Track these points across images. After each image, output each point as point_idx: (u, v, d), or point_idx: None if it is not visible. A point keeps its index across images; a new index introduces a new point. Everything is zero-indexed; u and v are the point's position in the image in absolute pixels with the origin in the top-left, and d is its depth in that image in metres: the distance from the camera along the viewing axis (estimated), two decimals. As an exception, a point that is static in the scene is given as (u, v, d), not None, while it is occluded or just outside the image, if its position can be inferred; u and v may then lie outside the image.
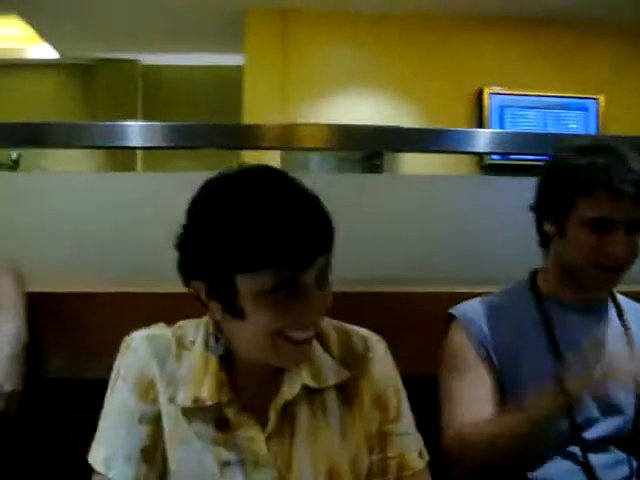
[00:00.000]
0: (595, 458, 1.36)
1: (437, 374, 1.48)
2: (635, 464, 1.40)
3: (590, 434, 1.38)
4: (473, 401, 1.39)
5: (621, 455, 1.39)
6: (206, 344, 1.11)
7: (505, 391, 1.42)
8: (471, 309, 1.49)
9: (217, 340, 1.11)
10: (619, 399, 1.40)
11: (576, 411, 1.37)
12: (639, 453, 1.40)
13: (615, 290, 1.53)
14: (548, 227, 1.45)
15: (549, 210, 1.45)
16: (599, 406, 1.39)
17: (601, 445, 1.38)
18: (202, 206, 1.03)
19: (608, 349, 1.42)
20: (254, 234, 0.95)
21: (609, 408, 1.40)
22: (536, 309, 1.47)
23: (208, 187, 1.04)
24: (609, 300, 1.51)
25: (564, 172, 1.41)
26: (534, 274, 1.54)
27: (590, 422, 1.39)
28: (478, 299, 1.52)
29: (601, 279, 1.40)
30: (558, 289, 1.48)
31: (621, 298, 1.54)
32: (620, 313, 1.50)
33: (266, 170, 1.04)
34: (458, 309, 1.50)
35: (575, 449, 1.37)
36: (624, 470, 1.38)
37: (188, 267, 1.05)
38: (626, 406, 1.41)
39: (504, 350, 1.43)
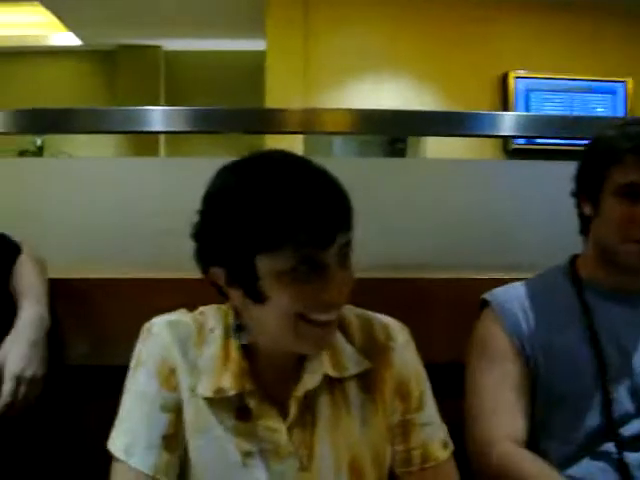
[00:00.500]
0: (630, 456, 1.31)
1: (465, 360, 1.45)
2: None
3: (626, 431, 1.33)
4: (504, 406, 1.37)
5: None
6: (227, 332, 1.10)
7: (538, 381, 1.39)
8: (505, 295, 1.46)
9: (239, 328, 1.09)
10: None
11: (612, 407, 1.34)
12: None
13: None
14: (586, 208, 1.43)
15: (585, 187, 1.43)
16: (636, 402, 1.35)
17: (637, 443, 1.33)
18: (219, 191, 1.02)
19: None
20: (273, 213, 0.94)
21: None
22: (575, 296, 1.43)
23: (224, 173, 1.03)
24: None
25: (597, 145, 1.43)
26: (572, 260, 1.50)
27: (626, 418, 1.34)
28: (513, 285, 1.49)
29: (637, 254, 1.35)
30: (598, 275, 1.44)
31: None
32: None
33: (281, 153, 1.03)
34: (492, 295, 1.47)
35: (610, 446, 1.33)
36: None
37: (207, 254, 1.04)
38: None
39: (539, 339, 1.40)
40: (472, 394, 1.41)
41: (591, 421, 1.34)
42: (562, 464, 1.34)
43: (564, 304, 1.43)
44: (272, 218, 0.94)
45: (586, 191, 1.43)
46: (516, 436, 1.34)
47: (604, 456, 1.33)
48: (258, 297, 0.99)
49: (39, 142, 6.51)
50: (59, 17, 6.14)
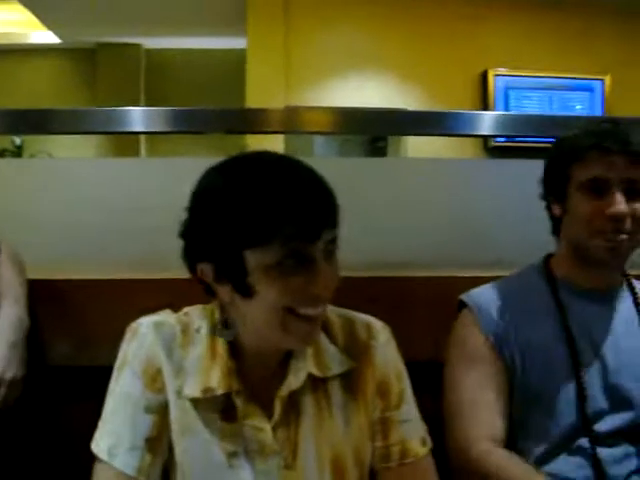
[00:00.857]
0: (604, 452, 1.34)
1: (444, 359, 1.46)
2: None
3: (600, 427, 1.36)
4: (483, 406, 1.38)
5: (630, 449, 1.36)
6: (213, 331, 1.11)
7: (515, 379, 1.40)
8: (482, 296, 1.48)
9: (226, 326, 1.10)
10: (630, 391, 1.38)
11: (586, 403, 1.36)
12: None
13: (633, 279, 1.50)
14: (555, 209, 1.45)
15: (552, 187, 1.46)
16: (609, 398, 1.38)
17: (611, 438, 1.35)
18: (207, 188, 1.03)
19: (620, 341, 1.41)
20: (260, 207, 0.96)
21: (620, 401, 1.38)
22: (549, 295, 1.45)
23: (211, 172, 1.05)
24: (625, 287, 1.49)
25: (560, 146, 1.45)
26: (547, 259, 1.52)
27: (600, 414, 1.36)
28: (489, 285, 1.50)
29: (607, 249, 1.37)
30: (571, 274, 1.46)
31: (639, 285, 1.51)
32: (637, 301, 1.47)
33: (268, 152, 1.06)
34: (469, 296, 1.49)
35: (584, 442, 1.35)
36: (632, 464, 1.35)
37: (195, 251, 1.05)
38: (637, 399, 1.38)
39: (515, 338, 1.41)
40: (451, 394, 1.43)
41: (566, 418, 1.36)
42: (539, 462, 1.36)
43: (539, 303, 1.45)
44: (260, 213, 0.96)
45: (553, 192, 1.45)
46: (494, 435, 1.36)
47: (579, 452, 1.35)
48: (247, 291, 1.00)
49: (18, 142, 6.46)
50: (38, 15, 6.08)
